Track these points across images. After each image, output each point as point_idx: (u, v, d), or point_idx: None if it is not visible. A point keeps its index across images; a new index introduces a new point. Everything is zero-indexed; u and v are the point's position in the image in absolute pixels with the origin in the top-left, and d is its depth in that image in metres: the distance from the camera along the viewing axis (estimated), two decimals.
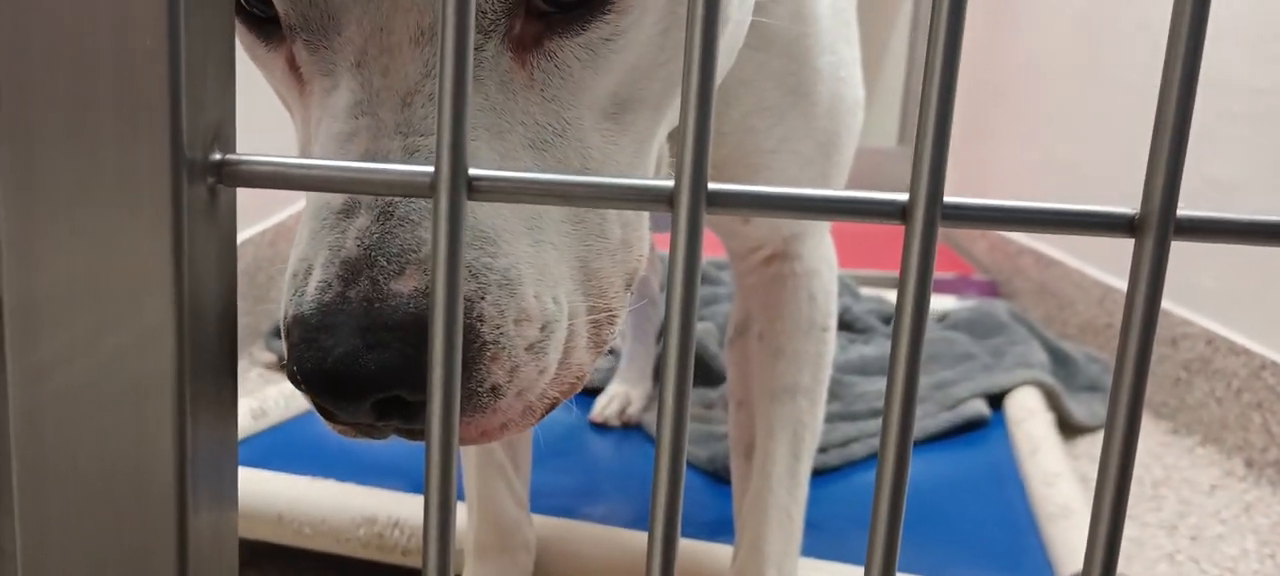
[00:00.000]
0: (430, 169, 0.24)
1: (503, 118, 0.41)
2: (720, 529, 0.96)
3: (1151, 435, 1.50)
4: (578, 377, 0.44)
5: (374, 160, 0.39)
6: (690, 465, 1.18)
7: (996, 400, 1.42)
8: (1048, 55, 2.25)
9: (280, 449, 1.14)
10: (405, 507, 0.95)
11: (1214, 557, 1.13)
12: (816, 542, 0.89)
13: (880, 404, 1.36)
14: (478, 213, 0.39)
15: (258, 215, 1.73)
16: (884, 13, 3.28)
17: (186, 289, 0.25)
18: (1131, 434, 0.24)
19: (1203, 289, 1.51)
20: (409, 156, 0.39)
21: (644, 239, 0.48)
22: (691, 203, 0.23)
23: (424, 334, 0.37)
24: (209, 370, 0.27)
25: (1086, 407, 1.50)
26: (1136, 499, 1.28)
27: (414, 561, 0.94)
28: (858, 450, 1.23)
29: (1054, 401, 1.44)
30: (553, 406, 0.44)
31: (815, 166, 0.67)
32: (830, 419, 1.27)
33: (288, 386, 1.25)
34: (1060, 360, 1.61)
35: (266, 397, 1.24)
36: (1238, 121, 1.44)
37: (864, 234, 2.41)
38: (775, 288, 0.76)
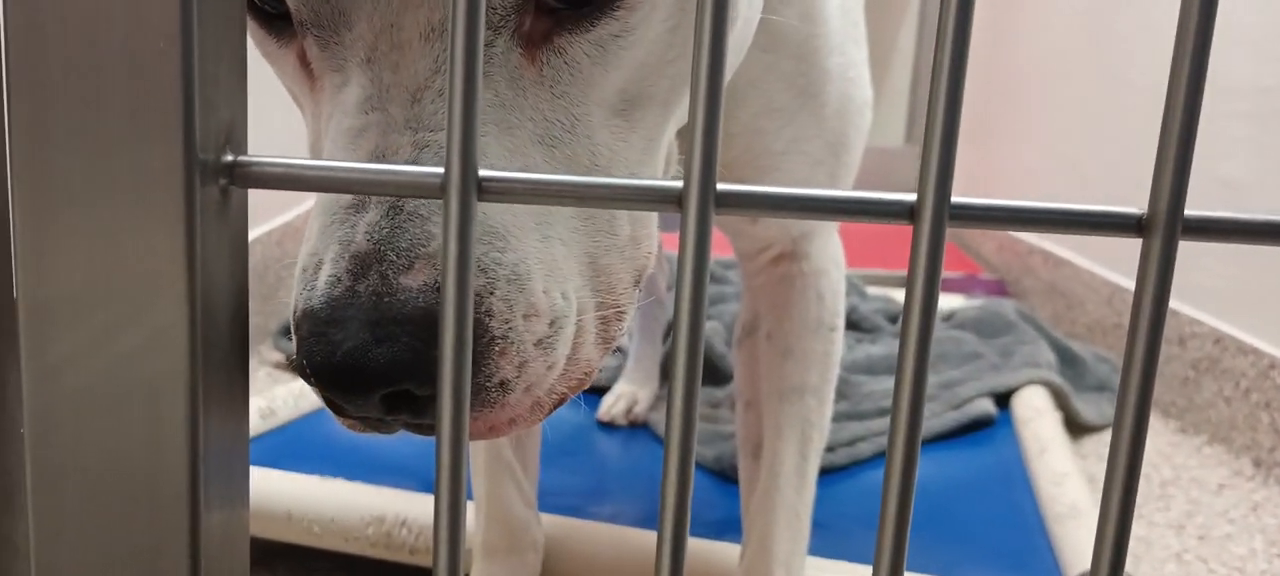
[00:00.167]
0: (441, 170, 0.24)
1: (512, 114, 0.41)
2: (727, 528, 0.96)
3: (1160, 434, 1.49)
4: (586, 373, 0.45)
5: (384, 155, 0.39)
6: (697, 464, 1.18)
7: (1004, 399, 1.42)
8: (1055, 55, 2.24)
9: (289, 448, 1.15)
10: (413, 507, 0.96)
11: (1222, 557, 1.13)
12: (824, 542, 0.89)
13: (887, 403, 1.36)
14: (487, 208, 0.40)
15: (266, 215, 1.73)
16: (890, 12, 3.28)
17: (199, 288, 0.25)
18: (1139, 434, 0.24)
19: (1211, 288, 1.51)
20: (418, 152, 0.39)
21: (653, 236, 0.49)
22: (700, 203, 0.23)
23: (433, 328, 0.37)
24: (221, 369, 0.27)
25: (1095, 407, 1.49)
26: (1144, 498, 1.27)
27: (422, 560, 0.94)
28: (865, 449, 1.23)
29: (1062, 401, 1.44)
30: (561, 402, 0.44)
31: (824, 167, 0.67)
32: (837, 418, 1.27)
33: (296, 385, 1.26)
34: (1068, 360, 1.60)
35: (275, 397, 1.24)
36: (1244, 121, 1.44)
37: (870, 233, 2.41)
38: (783, 287, 0.76)
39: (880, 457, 1.23)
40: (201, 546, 0.27)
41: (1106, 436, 1.46)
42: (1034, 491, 1.13)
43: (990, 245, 2.51)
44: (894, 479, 0.24)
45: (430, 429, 0.40)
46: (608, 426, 1.32)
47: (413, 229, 0.38)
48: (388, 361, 0.36)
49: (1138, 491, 0.24)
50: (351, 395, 0.38)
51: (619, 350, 1.47)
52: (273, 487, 0.98)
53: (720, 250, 1.77)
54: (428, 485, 1.01)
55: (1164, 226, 0.23)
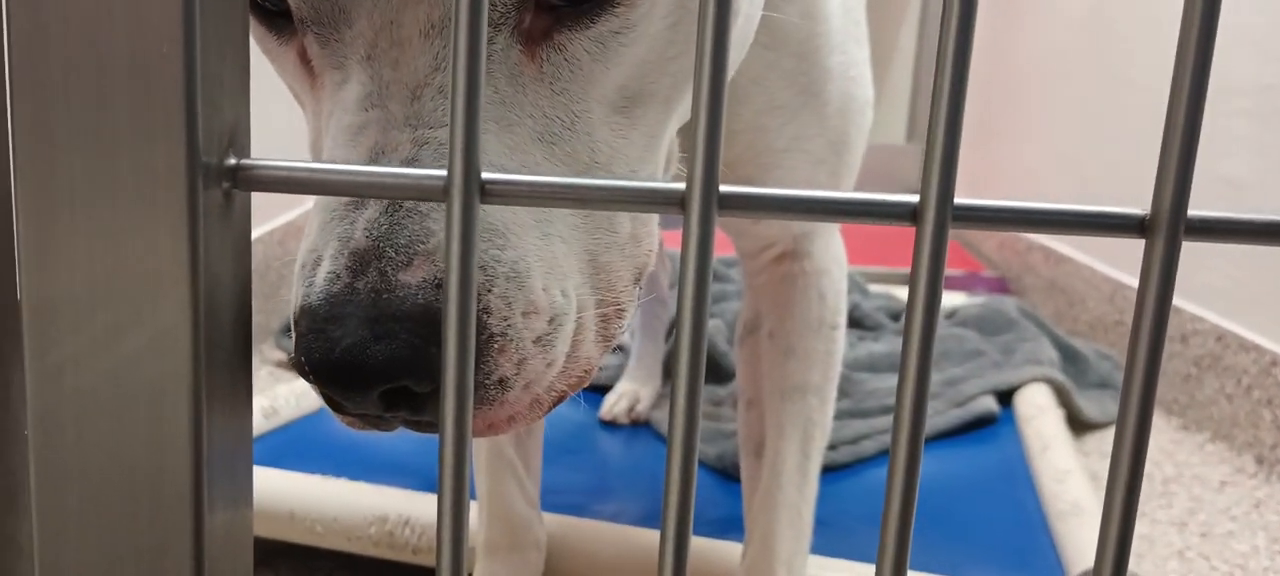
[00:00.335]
0: (443, 173, 0.24)
1: (512, 110, 0.41)
2: (729, 526, 0.96)
3: (1162, 432, 1.49)
4: (585, 371, 0.45)
5: (383, 151, 0.39)
6: (699, 462, 1.18)
7: (1006, 397, 1.42)
8: (1056, 54, 2.24)
9: (292, 447, 1.15)
10: (416, 506, 0.96)
11: (1224, 554, 1.13)
12: (827, 540, 0.89)
13: (890, 400, 1.36)
14: (486, 206, 0.40)
15: (268, 214, 1.73)
16: (892, 10, 3.28)
17: (202, 290, 0.25)
18: (1142, 436, 0.24)
19: (1212, 285, 1.50)
20: (418, 149, 0.39)
21: (653, 234, 0.49)
22: (703, 205, 0.23)
23: (431, 324, 0.37)
24: (224, 370, 0.27)
25: (1097, 404, 1.49)
26: (1147, 496, 1.27)
27: (424, 559, 0.94)
28: (868, 447, 1.23)
29: (1064, 398, 1.44)
30: (560, 399, 0.44)
31: (826, 166, 0.67)
32: (840, 416, 1.27)
33: (299, 384, 1.26)
34: (1070, 357, 1.60)
35: (278, 396, 1.24)
36: (1246, 119, 1.44)
37: (872, 230, 2.41)
38: (785, 286, 0.76)
39: (883, 455, 1.23)
40: (205, 546, 0.27)
41: (1109, 433, 1.45)
42: (1036, 489, 1.13)
43: (991, 243, 2.51)
44: (897, 480, 0.24)
45: (429, 425, 0.40)
46: (610, 425, 1.32)
47: (411, 225, 0.38)
48: (386, 358, 0.36)
49: (1141, 491, 0.24)
50: (350, 392, 0.38)
51: (621, 349, 1.47)
52: (276, 487, 0.98)
53: (722, 248, 1.77)
54: (430, 484, 1.01)
55: (1166, 227, 0.23)
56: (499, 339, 0.39)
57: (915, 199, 0.23)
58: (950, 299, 1.93)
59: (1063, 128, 2.17)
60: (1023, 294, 2.19)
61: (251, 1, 0.45)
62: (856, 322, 1.72)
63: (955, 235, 2.68)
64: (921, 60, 3.29)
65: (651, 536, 0.94)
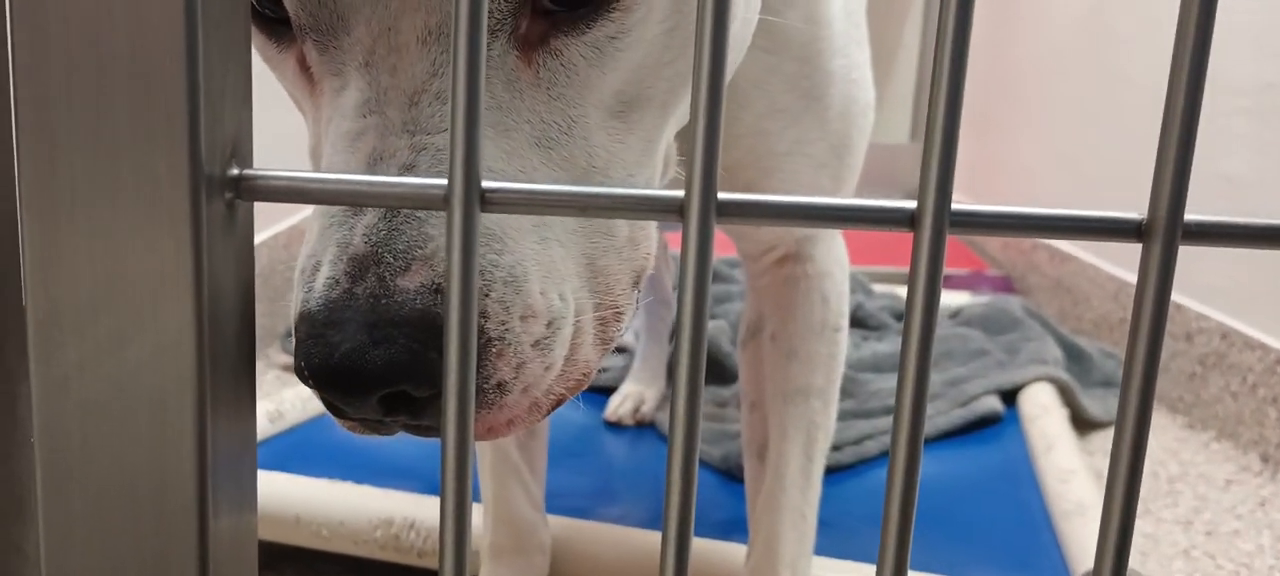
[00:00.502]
0: (444, 182, 0.24)
1: (509, 116, 0.42)
2: (734, 528, 0.96)
3: (1167, 431, 1.49)
4: (584, 375, 0.45)
5: (381, 157, 0.39)
6: (703, 464, 1.18)
7: (1010, 396, 1.42)
8: (1054, 52, 2.24)
9: (297, 451, 1.15)
10: (421, 509, 0.96)
11: (1229, 553, 1.13)
12: (831, 541, 0.89)
13: (893, 401, 1.36)
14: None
15: (273, 218, 1.74)
16: (896, 10, 3.28)
17: (205, 299, 0.26)
18: (1140, 439, 0.24)
19: (1217, 284, 1.50)
20: (416, 155, 0.39)
21: (651, 237, 0.49)
22: (702, 213, 0.23)
23: (430, 329, 0.37)
24: (228, 377, 0.28)
25: (1102, 403, 1.49)
26: (1152, 495, 1.27)
27: (430, 563, 0.95)
28: (872, 448, 1.23)
29: (1068, 397, 1.44)
30: (559, 403, 0.44)
31: (828, 169, 0.67)
32: (844, 416, 1.27)
33: (304, 389, 1.26)
34: (1075, 356, 1.60)
35: (283, 400, 1.24)
36: (1245, 117, 1.43)
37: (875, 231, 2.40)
38: (788, 289, 0.76)
39: (887, 456, 1.23)
40: (210, 552, 0.27)
41: (1113, 433, 1.45)
42: (1041, 488, 1.13)
43: (995, 242, 2.51)
44: (897, 481, 0.24)
45: (429, 430, 0.40)
46: (614, 427, 1.32)
47: (409, 231, 0.38)
48: (385, 363, 0.37)
49: (1140, 493, 0.24)
50: (349, 397, 0.38)
51: (625, 350, 1.47)
52: (281, 491, 0.99)
53: (725, 249, 1.77)
54: (435, 488, 1.02)
55: (1164, 232, 0.23)
56: (497, 343, 0.40)
57: (913, 205, 0.23)
58: (955, 298, 1.93)
59: (1061, 125, 2.16)
60: (1027, 292, 2.19)
61: (251, 9, 0.45)
62: (860, 323, 1.72)
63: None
64: (926, 59, 3.29)
65: (656, 538, 0.94)
